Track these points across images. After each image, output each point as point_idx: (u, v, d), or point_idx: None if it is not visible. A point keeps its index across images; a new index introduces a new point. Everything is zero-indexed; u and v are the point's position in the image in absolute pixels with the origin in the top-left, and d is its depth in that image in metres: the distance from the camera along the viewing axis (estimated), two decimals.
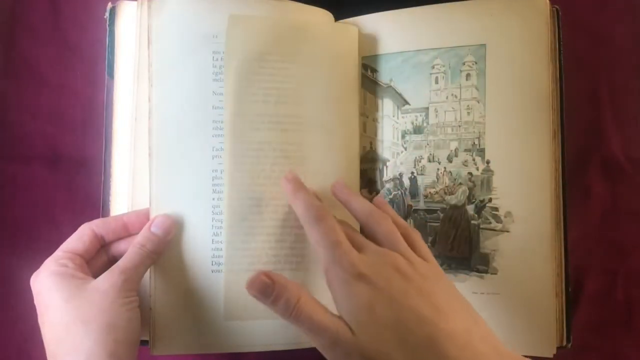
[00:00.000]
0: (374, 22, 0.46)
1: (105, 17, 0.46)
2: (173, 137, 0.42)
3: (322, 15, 0.46)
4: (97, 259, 0.42)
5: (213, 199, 0.42)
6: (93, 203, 0.48)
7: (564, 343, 0.42)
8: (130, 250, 0.40)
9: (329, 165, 0.44)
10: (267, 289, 0.34)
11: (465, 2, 0.45)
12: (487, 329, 0.35)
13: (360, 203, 0.40)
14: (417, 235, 0.39)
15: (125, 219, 0.42)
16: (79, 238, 0.41)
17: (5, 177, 0.50)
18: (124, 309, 0.37)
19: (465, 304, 0.36)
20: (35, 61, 0.51)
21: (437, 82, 0.45)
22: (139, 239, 0.40)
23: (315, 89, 0.44)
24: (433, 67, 0.45)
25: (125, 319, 0.37)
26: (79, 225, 0.49)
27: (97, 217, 0.45)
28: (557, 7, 0.44)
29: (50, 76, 0.51)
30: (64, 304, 0.36)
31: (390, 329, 0.32)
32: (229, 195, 0.41)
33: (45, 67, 0.51)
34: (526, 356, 0.34)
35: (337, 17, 0.47)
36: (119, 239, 0.42)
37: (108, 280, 0.38)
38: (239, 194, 0.42)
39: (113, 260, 0.42)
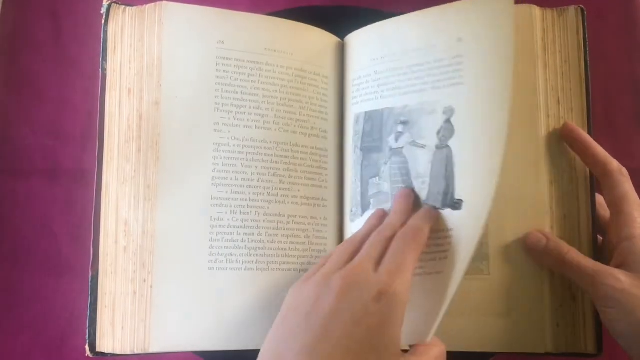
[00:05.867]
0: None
1: (101, 12, 0.44)
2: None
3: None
4: None
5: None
6: (91, 216, 0.48)
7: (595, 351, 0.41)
8: None
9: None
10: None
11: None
12: None
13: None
14: None
15: None
16: None
17: (5, 191, 0.50)
18: None
19: None
20: (36, 76, 0.52)
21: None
22: None
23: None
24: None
25: None
26: (77, 238, 0.50)
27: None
28: (582, 6, 0.43)
29: (51, 91, 0.52)
30: None
31: None
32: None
33: (45, 82, 0.52)
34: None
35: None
36: None
37: None
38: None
39: None
